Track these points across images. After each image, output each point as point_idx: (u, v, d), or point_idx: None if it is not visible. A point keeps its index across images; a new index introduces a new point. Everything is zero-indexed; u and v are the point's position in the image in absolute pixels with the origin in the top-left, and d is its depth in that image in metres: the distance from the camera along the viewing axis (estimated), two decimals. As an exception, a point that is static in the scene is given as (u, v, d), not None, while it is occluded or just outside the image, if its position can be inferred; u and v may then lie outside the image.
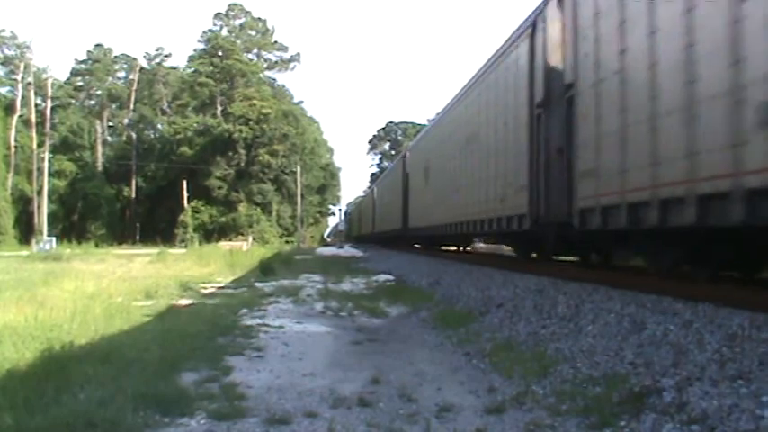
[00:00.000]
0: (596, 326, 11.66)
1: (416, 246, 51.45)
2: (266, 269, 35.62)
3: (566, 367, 9.91)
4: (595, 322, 11.87)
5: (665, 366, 8.57)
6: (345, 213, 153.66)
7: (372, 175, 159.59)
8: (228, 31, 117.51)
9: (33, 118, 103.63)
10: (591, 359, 9.94)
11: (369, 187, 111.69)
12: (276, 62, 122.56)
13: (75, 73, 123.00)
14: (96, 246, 63.56)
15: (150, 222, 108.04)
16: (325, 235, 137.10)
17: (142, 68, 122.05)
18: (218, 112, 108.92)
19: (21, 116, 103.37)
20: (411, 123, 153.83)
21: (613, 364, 9.39)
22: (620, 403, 7.80)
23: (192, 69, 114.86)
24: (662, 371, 8.45)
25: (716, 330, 9.13)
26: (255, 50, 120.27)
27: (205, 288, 25.08)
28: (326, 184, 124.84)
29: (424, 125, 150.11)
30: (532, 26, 18.79)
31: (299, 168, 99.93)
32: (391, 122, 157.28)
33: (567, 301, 14.13)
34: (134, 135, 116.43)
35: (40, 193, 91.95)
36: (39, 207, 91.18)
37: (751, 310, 9.69)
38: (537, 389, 9.10)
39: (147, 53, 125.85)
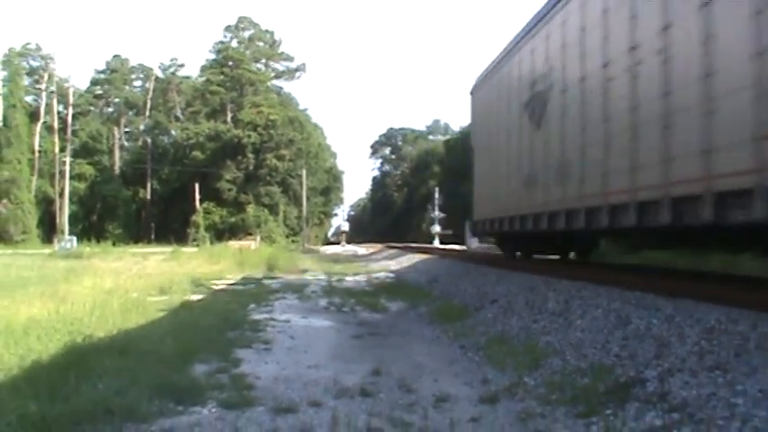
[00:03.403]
0: (584, 321, 11.69)
1: None
2: (273, 267, 35.65)
3: (555, 360, 9.95)
4: (584, 317, 11.90)
5: (648, 358, 8.60)
6: (349, 215, 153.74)
7: (374, 178, 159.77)
8: (238, 43, 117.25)
9: (56, 124, 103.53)
10: (579, 352, 9.97)
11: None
12: (283, 71, 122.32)
13: (94, 82, 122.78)
14: (114, 245, 63.28)
15: (164, 222, 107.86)
16: (329, 235, 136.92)
17: (157, 78, 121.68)
18: (229, 119, 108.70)
19: (44, 123, 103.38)
20: (410, 129, 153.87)
21: (600, 356, 9.42)
22: (607, 393, 7.83)
23: (204, 78, 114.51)
24: (645, 362, 8.48)
25: (695, 324, 9.17)
26: (263, 60, 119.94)
27: (216, 285, 25.06)
28: (330, 187, 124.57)
29: (423, 131, 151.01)
30: None
31: (304, 172, 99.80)
32: (392, 128, 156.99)
33: (557, 297, 14.17)
34: (149, 140, 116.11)
35: (61, 194, 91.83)
36: (60, 208, 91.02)
37: (727, 305, 9.73)
38: (528, 380, 9.14)
39: (161, 63, 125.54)
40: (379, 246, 76.48)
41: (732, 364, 7.52)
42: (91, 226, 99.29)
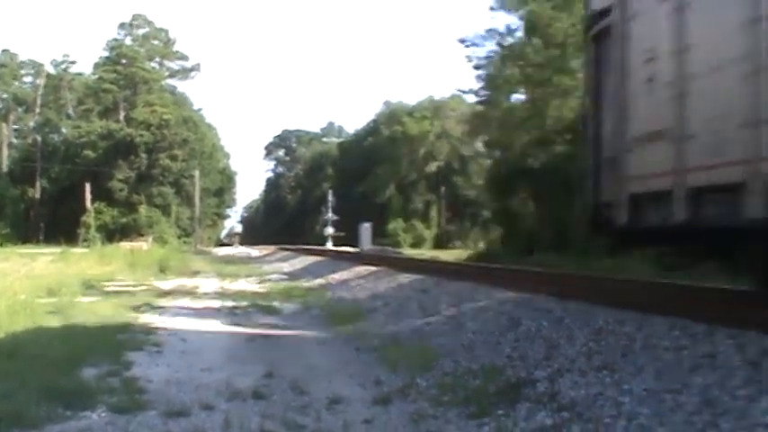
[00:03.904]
0: (476, 322, 11.83)
1: None
2: (165, 268, 35.23)
3: (447, 361, 10.02)
4: (475, 319, 12.04)
5: (538, 359, 8.75)
6: (242, 216, 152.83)
7: (268, 179, 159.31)
8: (132, 40, 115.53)
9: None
10: (471, 353, 10.08)
11: None
12: (177, 71, 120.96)
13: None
14: (1, 245, 61.70)
15: (54, 222, 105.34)
16: (222, 236, 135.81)
17: (48, 74, 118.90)
18: (121, 118, 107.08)
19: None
20: (305, 131, 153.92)
21: (491, 357, 9.53)
22: (498, 394, 7.92)
23: (97, 76, 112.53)
24: (535, 363, 8.62)
25: (584, 326, 9.36)
26: (158, 59, 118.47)
27: (107, 286, 24.59)
28: (223, 188, 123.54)
29: (317, 133, 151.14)
30: None
31: (197, 172, 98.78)
32: (286, 130, 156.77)
33: (450, 299, 14.31)
34: (39, 138, 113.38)
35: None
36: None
37: (615, 307, 9.97)
38: (421, 381, 9.15)
39: (53, 59, 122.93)
40: (272, 248, 76.08)
41: (619, 363, 7.70)
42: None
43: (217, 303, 19.64)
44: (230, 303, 19.56)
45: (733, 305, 9.36)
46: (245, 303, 19.46)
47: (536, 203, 42.39)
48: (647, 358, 7.65)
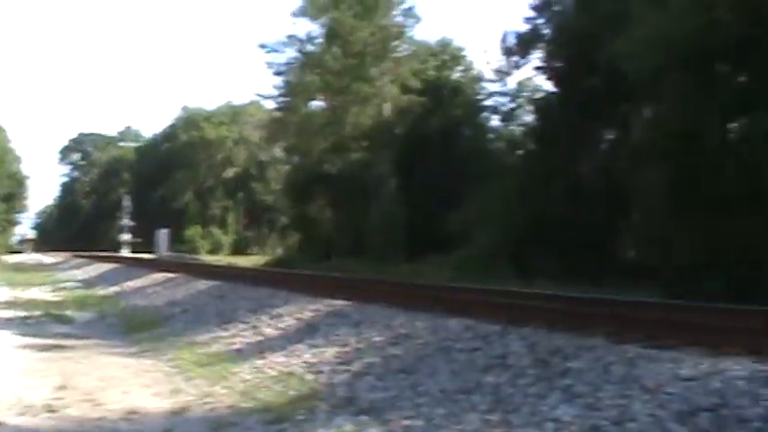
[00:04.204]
0: (274, 328, 11.84)
1: None
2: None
3: (246, 367, 9.97)
4: (273, 325, 12.06)
5: (335, 364, 8.83)
6: (35, 222, 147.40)
7: (63, 184, 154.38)
8: None
9: None
10: (270, 359, 10.06)
11: None
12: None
13: None
14: None
15: None
16: (13, 243, 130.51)
17: None
18: None
19: None
20: (101, 135, 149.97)
21: (290, 363, 9.55)
22: (298, 400, 7.93)
23: None
24: (333, 369, 8.69)
25: (382, 330, 9.52)
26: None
27: None
28: (14, 193, 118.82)
29: (114, 137, 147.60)
30: None
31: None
32: (82, 133, 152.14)
33: (248, 305, 14.29)
34: None
35: None
36: None
37: (414, 311, 10.20)
38: (219, 389, 9.05)
39: None
40: (66, 254, 73.74)
41: (416, 366, 7.87)
42: None
43: (8, 313, 18.80)
44: (22, 313, 18.76)
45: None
46: (37, 313, 18.72)
47: (333, 209, 42.85)
48: (442, 360, 7.86)
